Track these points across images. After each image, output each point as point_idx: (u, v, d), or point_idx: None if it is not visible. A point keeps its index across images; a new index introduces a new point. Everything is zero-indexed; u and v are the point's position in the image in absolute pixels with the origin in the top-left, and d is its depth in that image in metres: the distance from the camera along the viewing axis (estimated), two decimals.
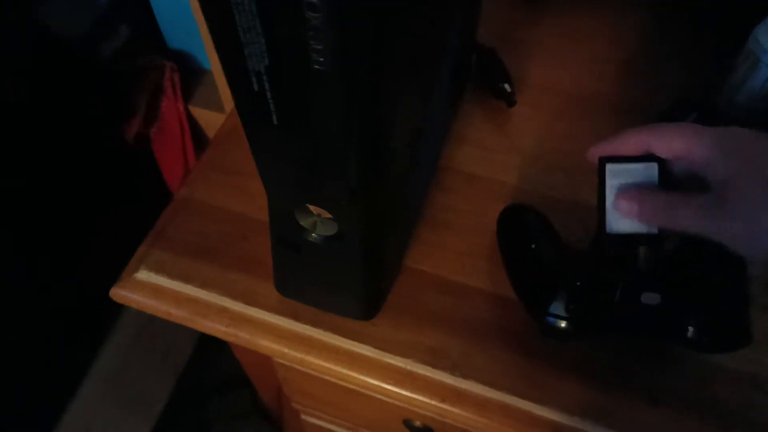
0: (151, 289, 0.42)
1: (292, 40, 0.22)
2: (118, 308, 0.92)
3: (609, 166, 0.34)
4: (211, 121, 0.75)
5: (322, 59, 0.22)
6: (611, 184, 0.34)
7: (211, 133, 0.76)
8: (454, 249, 0.44)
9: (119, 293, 0.42)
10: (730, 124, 0.49)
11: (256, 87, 0.25)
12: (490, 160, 0.49)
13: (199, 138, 0.76)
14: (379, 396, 0.48)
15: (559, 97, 0.53)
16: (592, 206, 0.46)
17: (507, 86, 0.51)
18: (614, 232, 0.34)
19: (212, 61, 0.65)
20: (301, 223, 0.34)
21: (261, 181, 0.47)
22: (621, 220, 0.33)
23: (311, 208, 0.32)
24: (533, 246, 0.39)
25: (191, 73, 0.75)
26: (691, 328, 0.35)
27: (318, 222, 0.33)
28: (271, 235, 0.37)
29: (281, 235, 0.36)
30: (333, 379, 0.48)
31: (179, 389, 0.95)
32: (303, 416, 0.64)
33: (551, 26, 0.59)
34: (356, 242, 0.34)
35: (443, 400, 0.38)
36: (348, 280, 0.37)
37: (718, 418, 0.37)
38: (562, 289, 0.36)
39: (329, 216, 0.32)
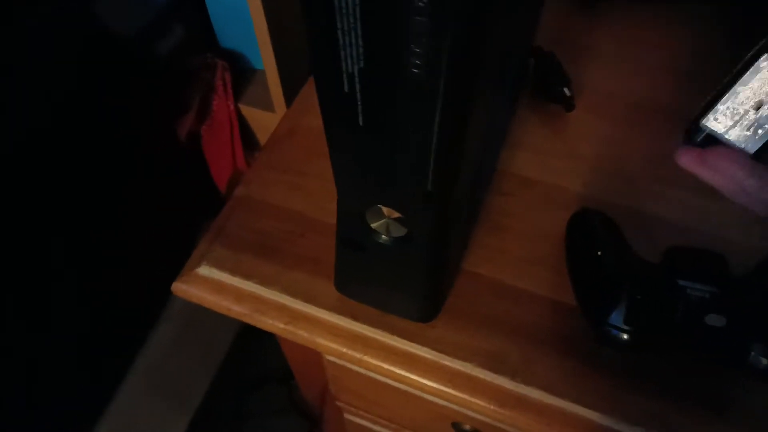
0: (212, 284, 0.43)
1: (391, 44, 0.22)
2: (162, 304, 0.94)
3: None
4: (259, 119, 0.75)
5: (418, 62, 0.22)
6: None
7: (259, 131, 0.77)
8: (512, 253, 0.44)
9: (181, 288, 0.43)
10: None
11: (346, 88, 0.25)
12: (548, 165, 0.49)
13: (247, 136, 0.77)
14: (432, 398, 0.48)
15: (618, 104, 0.53)
16: (656, 215, 0.46)
17: (566, 90, 0.51)
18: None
19: (265, 62, 0.66)
20: (371, 224, 0.34)
21: (318, 182, 0.48)
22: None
23: (383, 209, 0.33)
24: (599, 253, 0.39)
25: (242, 73, 0.76)
26: (754, 353, 0.34)
27: (388, 224, 0.33)
28: (336, 235, 0.37)
29: (348, 236, 0.36)
30: (386, 380, 0.49)
31: (218, 384, 0.96)
32: (346, 415, 0.64)
33: (610, 33, 0.58)
34: (424, 244, 0.34)
35: (503, 405, 0.38)
36: (410, 282, 0.37)
37: None
38: (621, 300, 0.36)
39: (399, 217, 0.33)
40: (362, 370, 0.49)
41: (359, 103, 0.25)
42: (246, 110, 0.74)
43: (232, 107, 0.73)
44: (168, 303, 0.92)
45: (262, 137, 0.78)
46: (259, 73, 0.76)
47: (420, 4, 0.20)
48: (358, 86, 0.25)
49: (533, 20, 0.45)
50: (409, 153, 0.27)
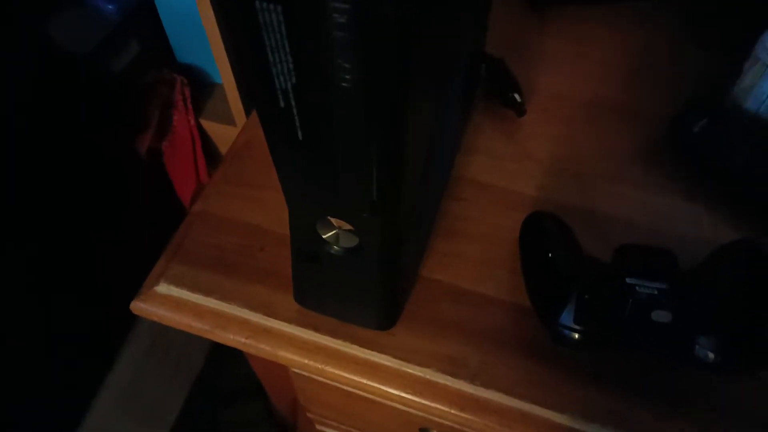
0: (171, 302, 0.43)
1: (320, 59, 0.22)
2: (131, 321, 0.92)
3: None
4: (221, 134, 0.75)
5: (348, 77, 0.23)
6: None
7: (221, 145, 0.77)
8: (470, 258, 0.45)
9: (140, 306, 0.43)
10: (739, 129, 0.49)
11: (282, 104, 0.25)
12: (503, 168, 0.50)
13: (209, 151, 0.77)
14: (397, 405, 0.48)
15: (570, 105, 0.54)
16: (609, 215, 0.47)
17: (517, 96, 0.52)
18: None
19: (223, 75, 0.65)
20: (322, 235, 0.34)
21: (276, 194, 0.48)
22: None
23: (332, 220, 0.33)
24: (550, 254, 0.40)
25: (201, 87, 0.75)
26: (699, 347, 0.35)
27: (339, 234, 0.34)
28: (291, 248, 0.37)
29: (302, 248, 0.36)
30: (351, 389, 0.49)
31: (192, 399, 0.95)
32: (318, 426, 0.64)
33: (559, 33, 0.60)
34: (376, 253, 0.34)
35: (463, 409, 0.38)
36: (367, 291, 0.38)
37: (746, 428, 0.37)
38: (571, 300, 0.37)
39: (350, 228, 0.33)
40: (327, 381, 0.49)
41: (296, 118, 0.26)
42: (207, 124, 0.74)
43: (192, 122, 0.72)
44: (137, 320, 0.91)
45: (225, 151, 0.78)
46: (218, 87, 0.76)
47: (340, 20, 0.20)
48: (293, 102, 0.25)
49: (478, 26, 0.46)
50: (351, 165, 0.28)
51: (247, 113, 0.69)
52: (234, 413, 1.03)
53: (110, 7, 0.62)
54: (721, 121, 0.50)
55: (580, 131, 0.52)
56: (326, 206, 0.32)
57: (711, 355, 0.35)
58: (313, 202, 0.32)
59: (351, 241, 0.34)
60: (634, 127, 0.52)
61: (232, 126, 0.72)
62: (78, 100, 0.66)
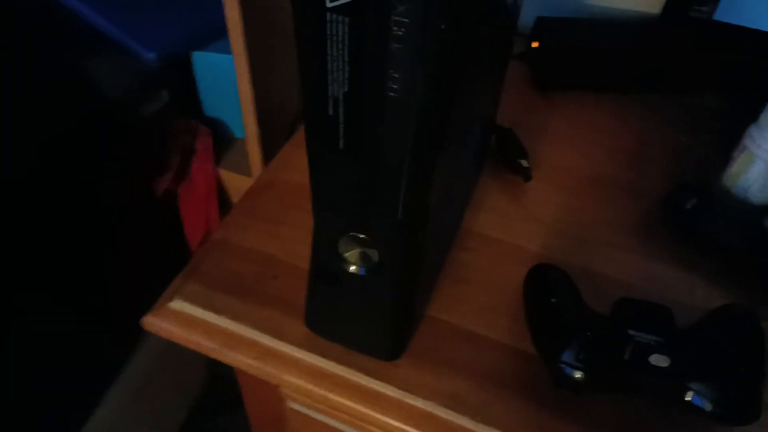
0: (183, 318, 0.44)
1: (374, 69, 0.26)
2: (119, 365, 0.90)
3: None
4: (236, 184, 0.79)
5: (396, 86, 0.26)
6: None
7: (235, 196, 0.80)
8: (475, 303, 0.46)
9: (152, 321, 0.44)
10: (727, 212, 0.53)
11: (330, 112, 0.28)
12: (509, 226, 0.52)
13: (223, 200, 0.80)
14: None
15: (573, 177, 0.57)
16: (607, 276, 0.49)
17: (524, 162, 0.56)
18: None
19: (247, 128, 0.70)
20: (344, 254, 0.36)
21: (292, 230, 0.50)
22: None
23: (355, 237, 0.35)
24: (553, 300, 0.42)
25: (223, 141, 0.80)
26: (693, 394, 0.36)
27: (360, 253, 0.36)
28: (310, 268, 0.39)
29: (321, 266, 0.38)
30: (354, 420, 0.49)
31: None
32: None
33: (563, 115, 0.64)
34: (393, 276, 0.36)
35: None
36: (378, 316, 0.39)
37: None
38: (574, 339, 0.38)
39: (371, 247, 0.35)
40: (326, 420, 0.49)
41: (341, 126, 0.29)
42: (224, 174, 0.78)
43: (210, 170, 0.76)
44: (124, 366, 0.89)
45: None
46: (238, 142, 0.80)
47: (398, 33, 0.24)
48: (341, 110, 0.28)
49: (493, 94, 0.51)
50: (384, 178, 0.31)
51: (265, 165, 0.73)
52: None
53: (151, 55, 0.67)
54: (710, 202, 0.53)
55: (583, 200, 0.55)
56: (353, 222, 0.34)
57: (706, 403, 0.36)
58: (341, 216, 0.34)
59: (371, 261, 0.36)
60: (634, 202, 0.56)
61: (248, 177, 0.76)
62: (105, 138, 0.70)
